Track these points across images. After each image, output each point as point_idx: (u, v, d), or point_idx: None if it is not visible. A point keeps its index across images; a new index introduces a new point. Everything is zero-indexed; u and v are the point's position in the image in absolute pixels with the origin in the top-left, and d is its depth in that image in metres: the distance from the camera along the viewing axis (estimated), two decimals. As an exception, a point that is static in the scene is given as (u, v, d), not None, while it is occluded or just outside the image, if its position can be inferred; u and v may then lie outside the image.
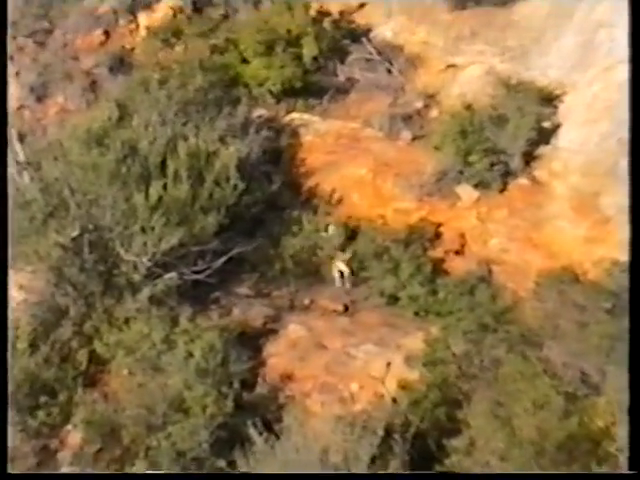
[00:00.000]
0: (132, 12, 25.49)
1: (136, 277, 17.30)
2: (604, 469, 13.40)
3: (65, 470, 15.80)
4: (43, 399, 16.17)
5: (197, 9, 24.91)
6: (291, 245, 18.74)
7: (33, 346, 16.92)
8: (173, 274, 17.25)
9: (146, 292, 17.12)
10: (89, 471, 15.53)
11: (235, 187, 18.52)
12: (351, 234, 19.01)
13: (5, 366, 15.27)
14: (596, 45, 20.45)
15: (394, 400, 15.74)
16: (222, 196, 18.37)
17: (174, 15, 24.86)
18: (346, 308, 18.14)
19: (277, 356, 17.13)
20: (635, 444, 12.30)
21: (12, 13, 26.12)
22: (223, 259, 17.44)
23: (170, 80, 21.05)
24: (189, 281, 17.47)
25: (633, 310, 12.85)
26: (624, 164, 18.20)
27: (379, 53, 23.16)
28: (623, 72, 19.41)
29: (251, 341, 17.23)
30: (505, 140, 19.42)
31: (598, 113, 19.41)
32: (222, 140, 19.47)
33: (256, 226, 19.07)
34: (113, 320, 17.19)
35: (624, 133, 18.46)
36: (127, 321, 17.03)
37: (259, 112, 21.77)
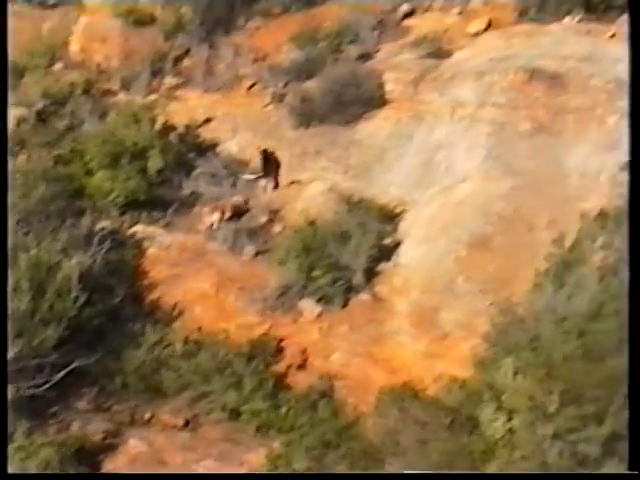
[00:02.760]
0: (-25, 120, 25.22)
1: (-29, 391, 16.77)
2: None
3: None
4: None
5: (42, 119, 24.79)
6: (133, 358, 18.52)
7: None
8: (9, 388, 16.77)
9: (-19, 406, 16.61)
10: None
11: (76, 299, 18.27)
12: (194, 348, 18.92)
13: (5, 364, 15.24)
14: (435, 165, 21.16)
15: (236, 517, 15.60)
16: (63, 308, 18.07)
17: (18, 124, 24.68)
18: (187, 423, 17.94)
19: (116, 472, 16.77)
20: (635, 444, 12.36)
21: None
22: (62, 373, 17.08)
23: (12, 190, 20.77)
24: (26, 395, 17.02)
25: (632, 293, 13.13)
26: (461, 281, 18.83)
27: (225, 167, 23.42)
28: (460, 192, 20.19)
29: (89, 457, 16.85)
30: (347, 256, 19.74)
31: (436, 231, 19.95)
32: (64, 252, 19.24)
33: (97, 339, 18.76)
34: (-55, 436, 16.59)
35: (461, 251, 19.15)
36: (-40, 437, 16.47)
37: (103, 224, 21.63)
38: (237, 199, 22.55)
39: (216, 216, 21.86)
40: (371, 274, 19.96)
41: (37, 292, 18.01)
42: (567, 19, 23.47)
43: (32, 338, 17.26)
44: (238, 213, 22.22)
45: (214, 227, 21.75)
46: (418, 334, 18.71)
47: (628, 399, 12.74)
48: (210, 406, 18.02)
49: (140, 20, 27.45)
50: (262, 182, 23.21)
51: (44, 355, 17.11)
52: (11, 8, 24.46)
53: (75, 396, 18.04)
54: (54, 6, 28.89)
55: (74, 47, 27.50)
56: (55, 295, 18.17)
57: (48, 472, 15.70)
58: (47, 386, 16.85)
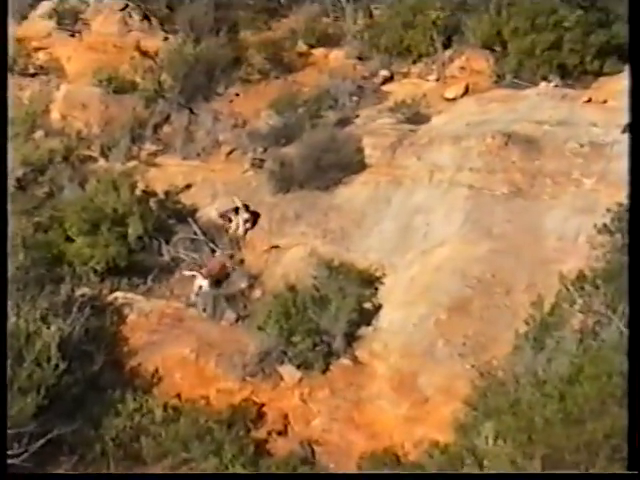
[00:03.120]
0: (-46, 188, 25.19)
1: (-54, 462, 16.56)
2: None
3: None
4: None
5: (21, 187, 24.76)
6: (112, 426, 18.36)
7: None
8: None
9: (-44, 479, 16.40)
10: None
11: (56, 367, 18.12)
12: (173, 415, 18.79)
13: (5, 366, 15.40)
14: (413, 229, 21.27)
15: None
16: (42, 376, 17.90)
17: (-3, 192, 24.68)
18: (167, 491, 17.79)
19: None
20: (635, 444, 12.25)
21: None
22: (41, 442, 16.89)
23: (-9, 257, 20.75)
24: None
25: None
26: (440, 345, 18.84)
27: (204, 233, 23.46)
28: (439, 255, 20.27)
29: (68, 527, 16.66)
30: (327, 321, 19.75)
31: (416, 295, 19.99)
32: (44, 319, 19.15)
33: (77, 407, 18.60)
34: None
35: (441, 315, 19.19)
36: None
37: (82, 291, 21.57)
38: (220, 257, 22.62)
39: (206, 281, 21.80)
40: (351, 338, 19.96)
41: (16, 360, 17.87)
42: (543, 84, 23.81)
43: (10, 407, 17.07)
44: (224, 273, 22.26)
45: (202, 290, 21.68)
46: (398, 399, 18.67)
47: (628, 398, 12.71)
48: (190, 473, 17.86)
49: (120, 87, 27.61)
50: (243, 216, 23.47)
51: (22, 424, 16.90)
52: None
53: (53, 465, 17.82)
54: (34, 75, 28.95)
55: (54, 115, 27.59)
56: (34, 363, 18.02)
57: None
58: (25, 456, 16.64)
